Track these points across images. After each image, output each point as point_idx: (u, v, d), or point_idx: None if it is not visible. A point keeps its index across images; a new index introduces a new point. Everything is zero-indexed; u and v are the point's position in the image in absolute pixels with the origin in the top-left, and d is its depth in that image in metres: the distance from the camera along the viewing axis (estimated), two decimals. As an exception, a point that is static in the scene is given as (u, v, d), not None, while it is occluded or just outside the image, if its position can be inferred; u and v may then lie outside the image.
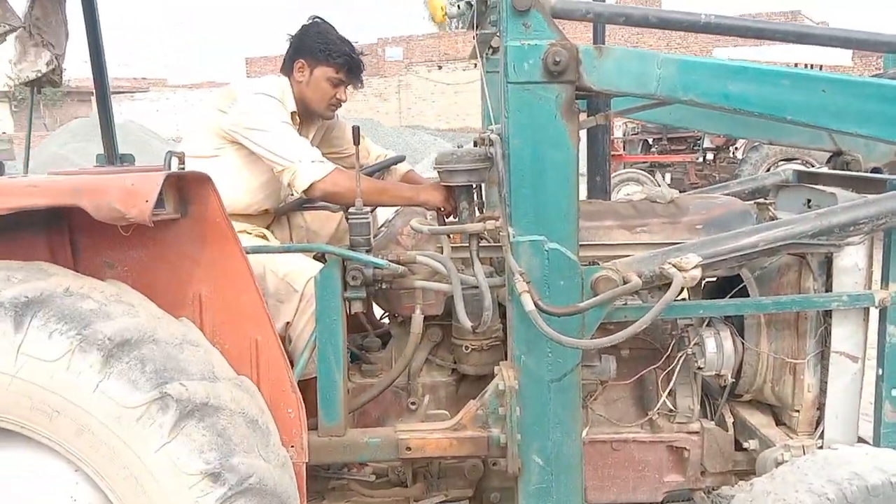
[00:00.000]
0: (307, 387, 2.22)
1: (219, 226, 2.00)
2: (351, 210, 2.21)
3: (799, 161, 9.85)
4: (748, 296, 2.39)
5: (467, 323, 2.10)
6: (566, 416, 2.12)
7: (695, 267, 2.03)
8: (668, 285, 1.98)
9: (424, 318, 2.35)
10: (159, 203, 1.78)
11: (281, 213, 2.76)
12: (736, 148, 11.73)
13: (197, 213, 1.98)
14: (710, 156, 12.21)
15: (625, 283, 2.05)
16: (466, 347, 2.38)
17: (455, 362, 2.51)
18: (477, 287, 2.23)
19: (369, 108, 30.50)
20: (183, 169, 2.12)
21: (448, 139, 28.02)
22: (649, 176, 11.37)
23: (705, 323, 2.37)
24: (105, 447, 1.69)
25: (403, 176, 2.99)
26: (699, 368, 2.36)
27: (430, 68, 31.10)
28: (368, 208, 2.22)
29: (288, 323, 2.41)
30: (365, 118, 28.04)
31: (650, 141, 12.58)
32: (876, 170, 2.96)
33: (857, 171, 2.97)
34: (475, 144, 2.80)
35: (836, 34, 2.06)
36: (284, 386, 2.06)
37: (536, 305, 1.93)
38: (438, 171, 2.36)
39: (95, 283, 1.82)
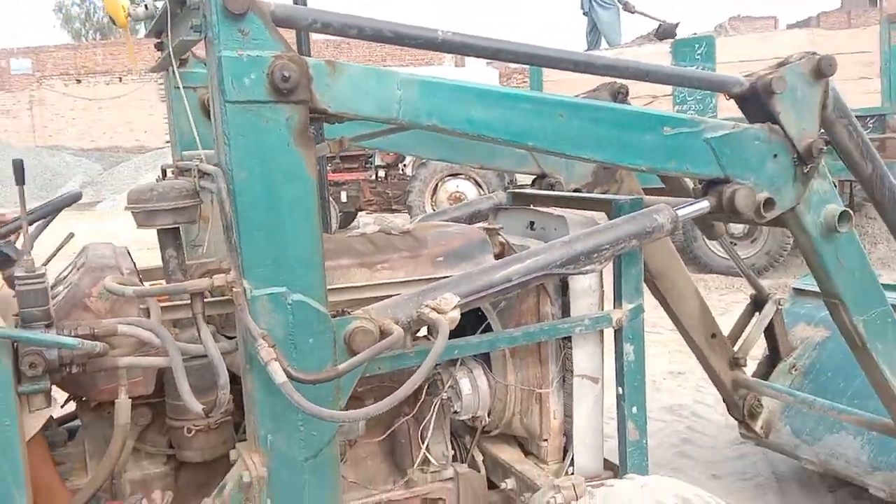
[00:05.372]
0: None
1: None
2: (17, 272, 1.62)
3: (463, 176, 10.49)
4: (490, 328, 2.28)
5: (197, 406, 1.65)
6: (325, 498, 1.79)
7: (454, 308, 1.84)
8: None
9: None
10: None
11: None
12: (405, 165, 12.16)
13: None
14: (381, 173, 12.50)
15: (382, 333, 1.78)
16: (189, 430, 1.92)
17: (171, 447, 2.03)
18: (197, 357, 1.80)
19: (-5, 126, 26.52)
20: None
21: (95, 159, 25.49)
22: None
23: (458, 363, 2.20)
24: None
25: None
26: (455, 413, 2.18)
27: (68, 82, 27.94)
28: (42, 267, 1.65)
29: None
30: (-10, 138, 24.38)
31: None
32: (577, 190, 3.08)
33: (561, 192, 3.07)
34: (163, 175, 2.35)
35: (569, 56, 2.02)
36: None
37: (288, 375, 1.58)
38: (134, 213, 1.87)
39: None
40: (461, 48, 1.96)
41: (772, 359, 3.32)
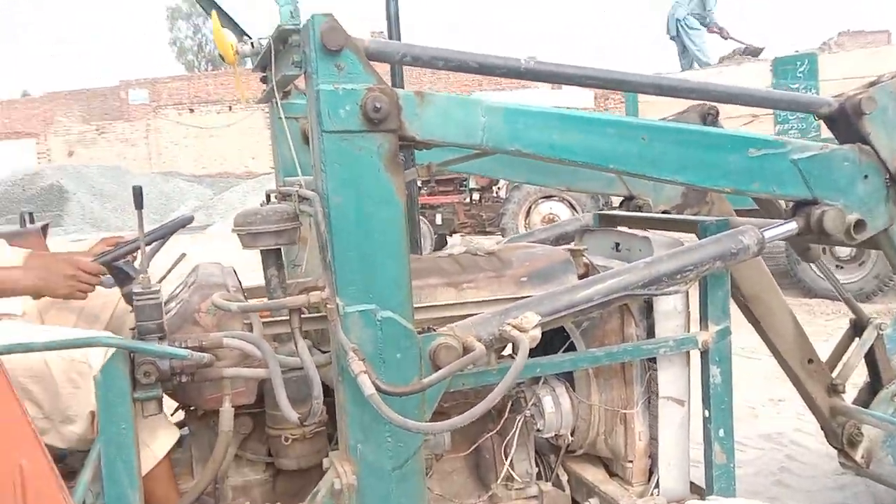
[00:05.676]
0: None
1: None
2: (135, 289, 1.79)
3: (556, 198, 10.48)
4: (573, 347, 2.32)
5: (293, 415, 1.78)
6: (411, 507, 1.87)
7: (535, 326, 1.90)
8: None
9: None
10: None
11: None
12: (499, 188, 12.27)
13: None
14: (476, 196, 12.66)
15: (465, 349, 1.86)
16: (286, 438, 2.05)
17: (270, 455, 2.16)
18: (295, 369, 1.93)
19: (116, 154, 28.31)
20: None
21: (206, 185, 26.77)
22: (423, 218, 11.51)
23: (541, 381, 2.25)
24: None
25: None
26: (538, 430, 2.23)
27: (181, 111, 29.60)
28: (157, 284, 1.82)
29: (93, 413, 1.89)
30: (111, 166, 26.01)
31: (419, 184, 12.76)
32: (665, 212, 3.08)
33: (649, 213, 3.07)
34: (267, 200, 2.51)
35: (653, 81, 2.06)
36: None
37: (377, 387, 1.67)
38: (240, 235, 2.02)
39: None
40: (545, 76, 2.03)
41: (873, 385, 3.18)
